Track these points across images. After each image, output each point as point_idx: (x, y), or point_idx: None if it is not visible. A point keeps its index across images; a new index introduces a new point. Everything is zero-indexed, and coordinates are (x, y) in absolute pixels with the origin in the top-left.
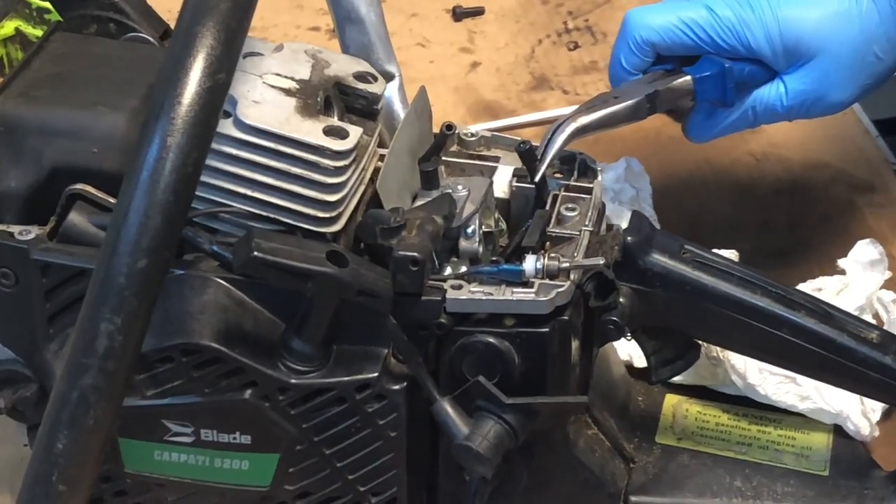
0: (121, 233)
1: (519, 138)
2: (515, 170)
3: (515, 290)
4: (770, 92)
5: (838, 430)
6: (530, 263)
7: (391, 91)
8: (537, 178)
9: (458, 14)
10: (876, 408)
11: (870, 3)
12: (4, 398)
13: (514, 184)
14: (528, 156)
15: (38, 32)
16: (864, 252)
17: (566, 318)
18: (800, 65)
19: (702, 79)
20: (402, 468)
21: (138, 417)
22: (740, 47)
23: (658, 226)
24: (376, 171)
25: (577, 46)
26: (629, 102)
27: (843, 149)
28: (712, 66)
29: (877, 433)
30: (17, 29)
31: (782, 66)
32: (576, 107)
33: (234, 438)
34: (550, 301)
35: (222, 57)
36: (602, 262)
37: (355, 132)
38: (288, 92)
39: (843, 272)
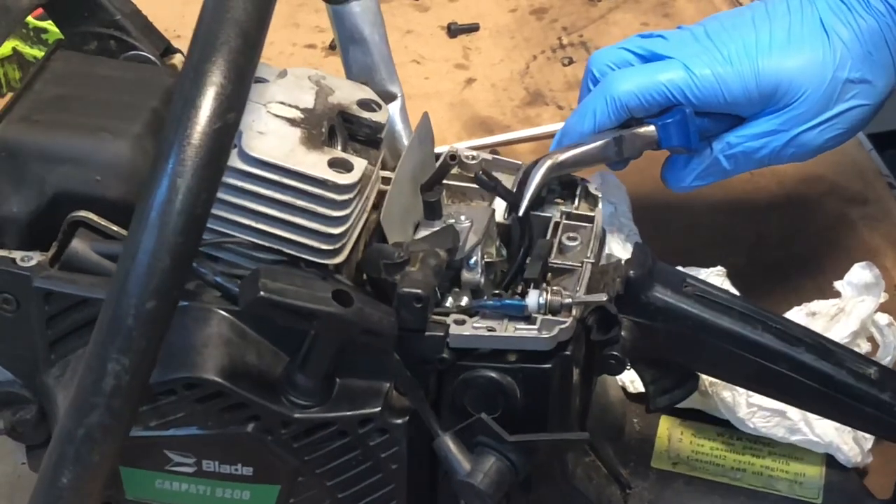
0: (129, 273)
1: (519, 161)
2: None
3: (518, 325)
4: (740, 135)
5: (831, 458)
6: (533, 299)
7: (393, 111)
8: (521, 213)
9: (453, 31)
10: (868, 436)
11: (844, 49)
12: (4, 419)
13: None
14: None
15: (36, 52)
16: (859, 275)
17: (568, 353)
18: (773, 110)
19: (664, 126)
20: (402, 500)
21: (140, 447)
22: (716, 102)
23: (639, 239)
24: (380, 195)
25: (571, 62)
26: (599, 143)
27: (837, 162)
28: (674, 113)
29: (870, 460)
30: (14, 49)
31: (755, 111)
32: None
33: (236, 469)
34: (553, 338)
35: (232, 96)
36: (605, 298)
37: (360, 165)
38: (292, 122)
39: (837, 294)
